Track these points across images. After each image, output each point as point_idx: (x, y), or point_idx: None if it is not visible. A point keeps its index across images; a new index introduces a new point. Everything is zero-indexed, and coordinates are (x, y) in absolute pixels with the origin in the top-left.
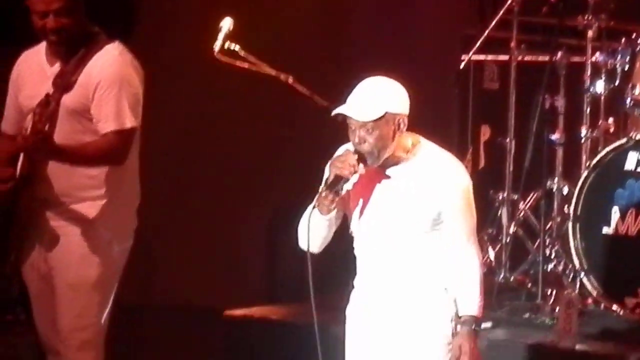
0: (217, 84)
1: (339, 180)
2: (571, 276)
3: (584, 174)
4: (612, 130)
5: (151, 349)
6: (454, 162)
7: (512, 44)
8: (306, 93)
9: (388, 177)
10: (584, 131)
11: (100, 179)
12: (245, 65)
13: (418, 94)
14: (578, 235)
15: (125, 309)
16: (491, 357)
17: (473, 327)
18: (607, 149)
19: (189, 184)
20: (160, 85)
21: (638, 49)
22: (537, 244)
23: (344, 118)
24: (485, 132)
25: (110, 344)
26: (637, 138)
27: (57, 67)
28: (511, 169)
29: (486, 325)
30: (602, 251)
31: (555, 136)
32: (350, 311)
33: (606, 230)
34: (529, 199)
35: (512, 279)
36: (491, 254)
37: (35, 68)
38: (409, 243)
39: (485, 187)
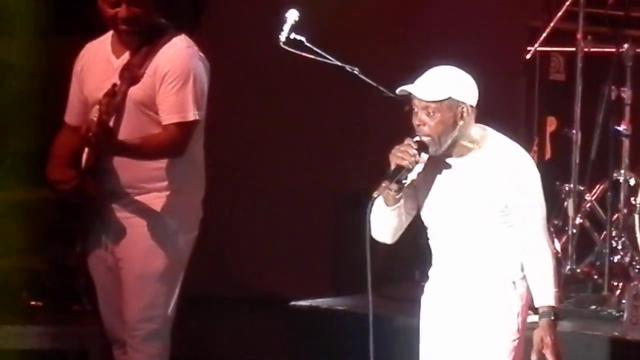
0: (283, 75)
1: (400, 170)
2: (638, 268)
3: None
4: None
5: (217, 340)
6: (524, 154)
7: (579, 36)
8: (372, 84)
9: (456, 167)
10: None
11: (166, 171)
12: (311, 56)
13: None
14: None
15: (192, 299)
16: None
17: (552, 317)
18: None
19: (255, 174)
20: (226, 77)
21: None
22: (603, 235)
23: (411, 108)
24: (551, 124)
25: (177, 334)
26: None
27: (123, 59)
28: (577, 160)
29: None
30: None
31: (621, 127)
32: (424, 301)
33: None
34: (595, 190)
35: (578, 270)
36: (557, 245)
37: (100, 60)
38: (478, 235)
39: (551, 178)
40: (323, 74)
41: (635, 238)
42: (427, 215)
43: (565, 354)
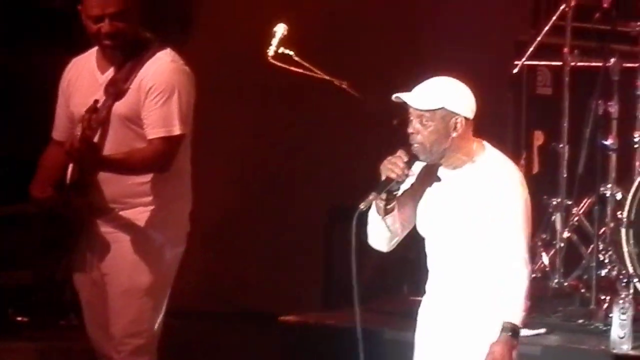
0: (271, 89)
1: (389, 182)
2: (625, 282)
3: (638, 179)
4: None
5: (205, 355)
6: (516, 172)
7: (565, 50)
8: (360, 97)
9: (449, 179)
10: (637, 136)
11: (151, 186)
12: (300, 70)
13: None
14: (632, 241)
15: (179, 314)
16: None
17: (511, 334)
18: None
19: (244, 189)
20: (214, 91)
21: None
22: (590, 249)
23: (400, 122)
24: (538, 138)
25: (164, 349)
26: None
27: (108, 74)
28: (565, 174)
29: (540, 331)
30: None
31: (608, 141)
32: (420, 315)
33: None
34: (582, 204)
35: (565, 284)
36: (545, 259)
37: (85, 75)
38: (468, 248)
39: (539, 192)
40: (313, 88)
41: (623, 252)
42: (420, 226)
43: None
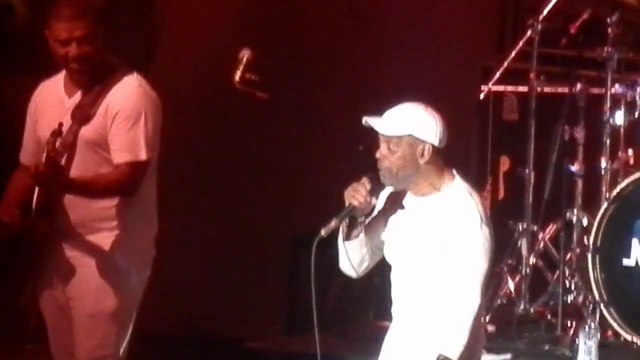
0: (236, 115)
1: (351, 208)
2: (591, 308)
3: (604, 205)
4: (632, 161)
5: None
6: (478, 206)
7: (532, 75)
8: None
9: (415, 207)
10: (603, 162)
11: (116, 210)
12: (265, 95)
13: None
14: (598, 267)
15: (144, 339)
16: None
17: None
18: (627, 180)
19: (209, 214)
20: (179, 116)
21: None
22: (556, 275)
23: (365, 148)
24: (504, 163)
25: None
26: None
27: (75, 98)
28: (531, 200)
29: (506, 356)
30: (622, 283)
31: (574, 167)
32: (385, 341)
33: (626, 261)
34: (548, 230)
35: (531, 310)
36: (511, 285)
37: (53, 99)
38: (427, 278)
39: (504, 218)
40: (278, 113)
41: (589, 278)
42: (386, 252)
43: None
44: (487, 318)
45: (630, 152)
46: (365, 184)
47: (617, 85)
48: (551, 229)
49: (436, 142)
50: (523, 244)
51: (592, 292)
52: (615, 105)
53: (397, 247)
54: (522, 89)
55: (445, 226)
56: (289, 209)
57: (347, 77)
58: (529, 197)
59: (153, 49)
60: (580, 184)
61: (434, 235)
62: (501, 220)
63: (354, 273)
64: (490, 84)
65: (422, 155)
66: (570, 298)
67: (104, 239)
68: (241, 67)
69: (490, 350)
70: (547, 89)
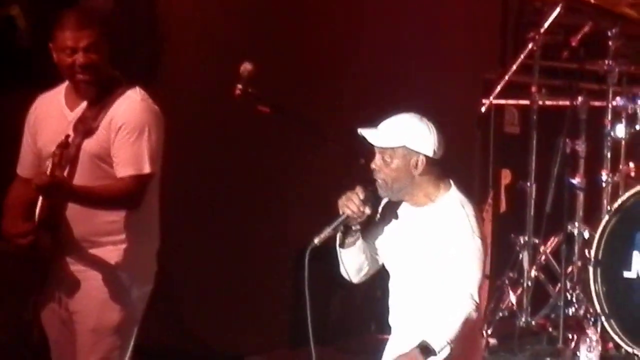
0: (239, 128)
1: (344, 217)
2: (592, 321)
3: (605, 218)
4: (633, 174)
5: None
6: (471, 216)
7: (533, 89)
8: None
9: (410, 217)
10: (604, 175)
11: (120, 224)
12: (267, 109)
13: None
14: (599, 280)
15: (146, 353)
16: None
17: (420, 351)
18: (628, 193)
19: (212, 228)
20: (181, 130)
21: None
22: (558, 288)
23: (366, 161)
24: (506, 176)
25: None
26: None
27: (77, 111)
28: (532, 213)
29: None
30: (624, 295)
31: (576, 180)
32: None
33: (627, 274)
34: (549, 243)
35: (533, 323)
36: (512, 298)
37: (54, 112)
38: (423, 287)
39: (506, 231)
40: (281, 126)
41: (590, 291)
42: (383, 261)
43: None
44: (489, 331)
45: (631, 164)
46: (358, 193)
47: (618, 98)
48: (552, 242)
49: (430, 154)
50: (524, 257)
51: (593, 305)
52: (616, 118)
53: (392, 256)
54: (524, 102)
55: (437, 237)
56: (292, 221)
57: (348, 90)
58: (531, 210)
59: (156, 63)
60: (581, 196)
61: (428, 246)
62: (502, 233)
63: (353, 279)
64: (491, 97)
65: (416, 167)
66: (571, 311)
67: (108, 253)
68: (243, 81)
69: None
70: (548, 102)
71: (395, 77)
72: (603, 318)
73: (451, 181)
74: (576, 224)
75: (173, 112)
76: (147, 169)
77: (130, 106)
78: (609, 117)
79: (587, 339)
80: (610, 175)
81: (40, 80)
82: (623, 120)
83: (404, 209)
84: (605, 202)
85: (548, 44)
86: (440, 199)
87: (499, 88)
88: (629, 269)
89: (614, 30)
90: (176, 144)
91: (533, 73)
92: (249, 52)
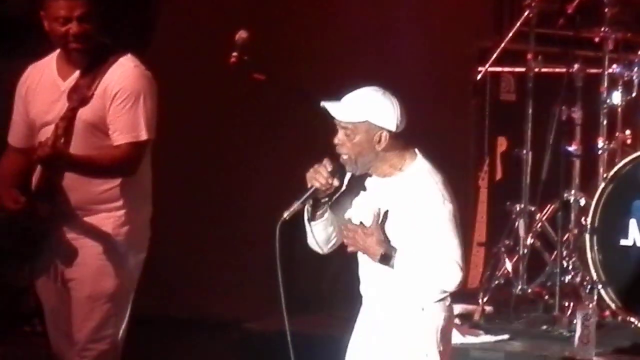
0: (233, 95)
1: (313, 190)
2: (588, 288)
3: (601, 185)
4: (629, 141)
5: None
6: (435, 186)
7: (529, 56)
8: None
9: (377, 187)
10: (600, 143)
11: (115, 191)
12: (262, 77)
13: (435, 106)
14: (595, 247)
15: (142, 321)
16: None
17: (384, 251)
18: (625, 160)
19: (204, 195)
20: (175, 97)
21: None
22: (554, 255)
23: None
24: (502, 144)
25: (127, 356)
26: None
27: (70, 80)
28: (528, 180)
29: (503, 337)
30: (620, 263)
31: (572, 148)
32: (357, 321)
33: (624, 242)
34: (546, 210)
35: (529, 290)
36: (508, 265)
37: (45, 82)
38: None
39: (502, 198)
40: (275, 95)
41: (586, 258)
42: None
43: None
44: (485, 299)
45: (627, 132)
46: (326, 165)
47: (614, 66)
48: (549, 209)
49: (393, 128)
50: (520, 224)
51: (589, 273)
52: (612, 86)
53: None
54: (520, 69)
55: (407, 205)
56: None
57: (343, 57)
58: (527, 177)
59: (149, 29)
60: (577, 164)
61: (397, 216)
62: (498, 201)
63: (321, 250)
64: (487, 65)
65: (380, 142)
66: (567, 278)
67: (104, 220)
68: (237, 49)
69: (487, 331)
70: (544, 70)
71: (389, 44)
72: (599, 286)
73: (417, 150)
74: (572, 191)
75: (168, 78)
76: (143, 135)
77: (124, 73)
78: (605, 85)
79: (583, 307)
80: (607, 142)
81: (33, 49)
82: (619, 87)
83: (371, 180)
84: (601, 169)
85: (544, 11)
86: (407, 168)
87: (494, 56)
88: (626, 237)
89: None
90: (169, 111)
91: (529, 40)
92: (245, 17)
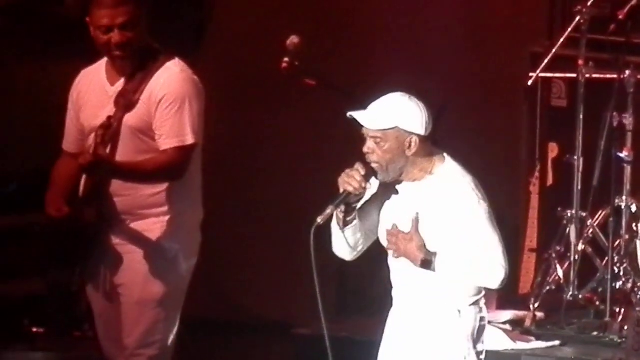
0: (284, 101)
1: (346, 195)
2: None
3: None
4: None
5: None
6: (468, 186)
7: (580, 62)
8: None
9: (407, 192)
10: None
11: (163, 196)
12: (313, 82)
13: (487, 111)
14: None
15: (193, 325)
16: None
17: (424, 255)
18: None
19: (257, 199)
20: (227, 102)
21: None
22: (605, 261)
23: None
24: (553, 150)
25: None
26: None
27: (118, 85)
28: (579, 186)
29: (554, 343)
30: None
31: (623, 154)
32: (387, 324)
33: None
34: (597, 216)
35: (580, 296)
36: (559, 271)
37: (95, 87)
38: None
39: (553, 204)
40: (327, 100)
41: (637, 264)
42: (381, 237)
43: None
44: (536, 305)
45: None
46: (359, 169)
47: None
48: (600, 215)
49: (422, 132)
50: (572, 230)
51: None
52: None
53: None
54: (571, 75)
55: (442, 208)
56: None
57: (392, 60)
58: (578, 183)
59: (203, 33)
60: (629, 170)
61: (430, 218)
62: (550, 207)
63: (347, 257)
64: (538, 71)
65: (410, 147)
66: (618, 284)
67: (152, 225)
68: (289, 55)
69: (538, 337)
70: (595, 76)
71: (442, 51)
72: None
73: (445, 154)
74: (624, 197)
75: (220, 83)
76: (190, 140)
77: (170, 78)
78: None
79: (635, 313)
80: None
81: (89, 50)
82: None
83: (400, 185)
84: None
85: (595, 17)
86: (437, 170)
87: (546, 61)
88: None
89: None
90: (222, 115)
91: (580, 46)
92: (297, 23)
